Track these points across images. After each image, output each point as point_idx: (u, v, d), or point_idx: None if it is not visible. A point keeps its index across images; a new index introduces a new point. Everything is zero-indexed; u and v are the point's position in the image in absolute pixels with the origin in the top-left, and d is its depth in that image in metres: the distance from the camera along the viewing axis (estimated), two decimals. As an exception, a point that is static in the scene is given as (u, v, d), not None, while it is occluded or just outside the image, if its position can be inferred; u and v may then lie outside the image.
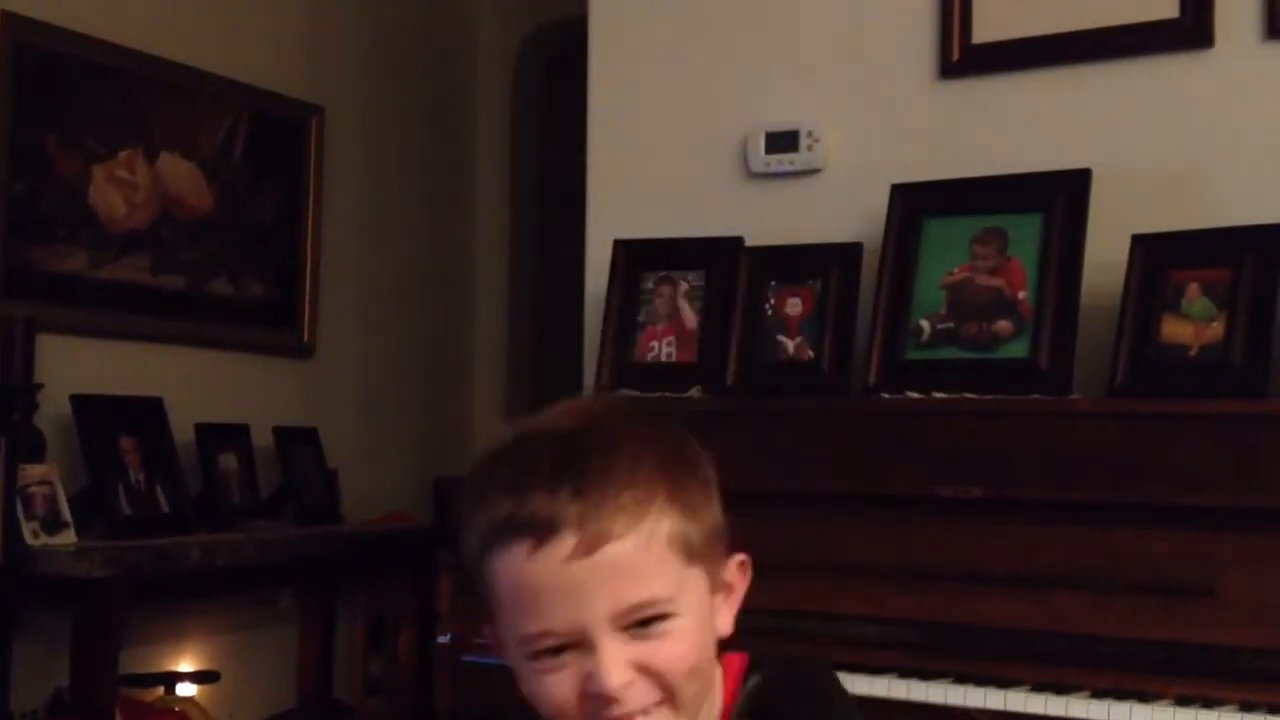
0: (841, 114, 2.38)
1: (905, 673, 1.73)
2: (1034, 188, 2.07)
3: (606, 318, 2.41)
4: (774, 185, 2.42)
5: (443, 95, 4.49)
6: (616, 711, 0.92)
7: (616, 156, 2.60)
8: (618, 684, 0.91)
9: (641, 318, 2.37)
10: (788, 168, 2.39)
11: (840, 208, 2.32)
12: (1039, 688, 1.61)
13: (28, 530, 2.91)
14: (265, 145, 3.83)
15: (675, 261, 2.38)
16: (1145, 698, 1.56)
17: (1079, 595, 1.73)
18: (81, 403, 3.16)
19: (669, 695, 0.93)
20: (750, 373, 2.21)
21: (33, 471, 2.96)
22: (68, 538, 2.97)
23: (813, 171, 2.38)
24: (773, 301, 2.23)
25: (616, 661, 0.91)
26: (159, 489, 3.23)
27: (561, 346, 3.39)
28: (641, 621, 0.92)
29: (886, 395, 2.05)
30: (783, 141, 2.39)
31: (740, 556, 1.00)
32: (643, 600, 0.92)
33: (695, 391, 2.25)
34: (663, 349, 2.33)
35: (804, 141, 2.37)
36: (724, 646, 1.02)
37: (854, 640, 1.83)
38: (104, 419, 3.19)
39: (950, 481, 1.90)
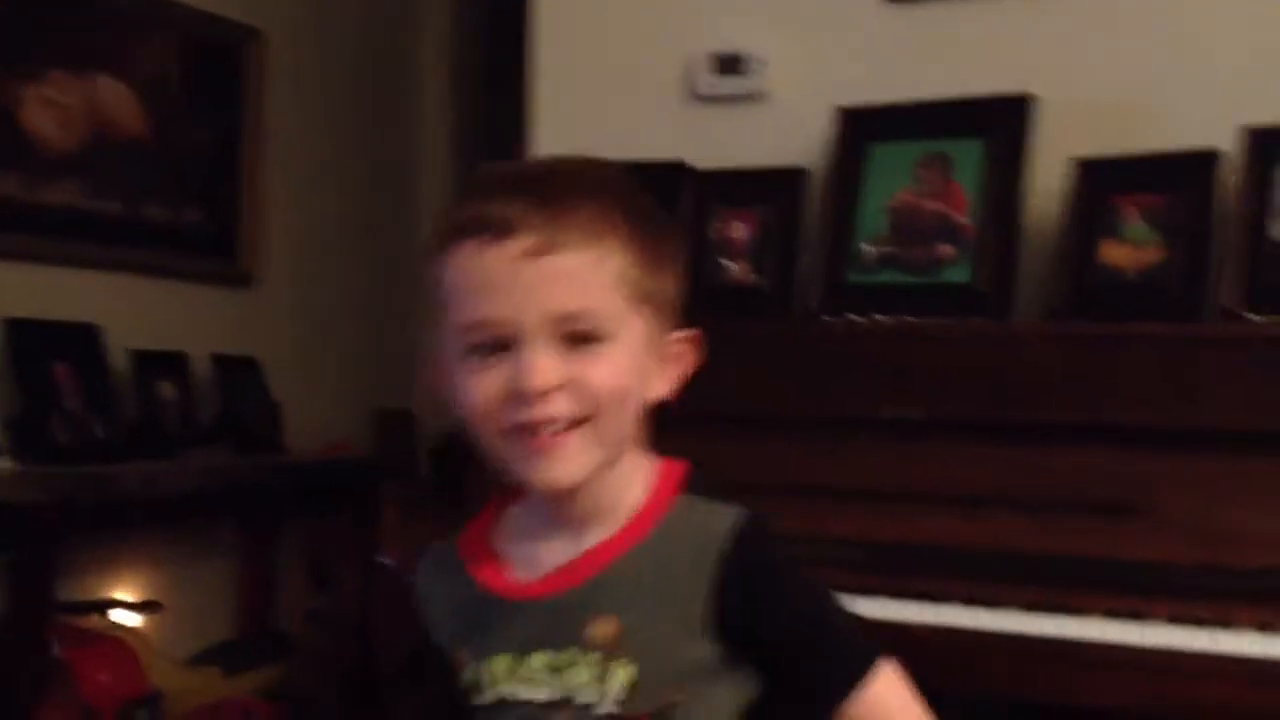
0: (788, 38, 2.36)
1: (841, 589, 1.74)
2: (975, 113, 2.07)
3: (549, 241, 2.39)
4: (719, 109, 2.40)
5: (384, 17, 4.41)
6: (537, 413, 0.94)
7: (560, 79, 2.56)
8: (540, 382, 0.94)
9: (585, 242, 2.35)
10: (733, 91, 2.37)
11: (786, 132, 2.30)
12: (971, 602, 1.62)
13: (-41, 456, 2.87)
14: (202, 69, 3.75)
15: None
16: (1076, 611, 1.58)
17: (1015, 514, 1.75)
18: (15, 327, 3.10)
19: (591, 415, 0.96)
20: (694, 296, 2.20)
21: (-36, 397, 2.91)
22: (2, 464, 2.93)
23: (758, 95, 2.36)
24: (716, 225, 2.22)
25: (543, 361, 0.94)
26: (95, 416, 3.19)
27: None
28: (575, 337, 0.95)
29: (827, 318, 2.05)
30: (728, 64, 2.36)
31: (694, 332, 1.06)
32: (580, 310, 0.95)
33: (638, 315, 2.24)
34: (606, 273, 2.32)
35: (750, 65, 2.35)
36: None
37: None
38: (38, 345, 3.13)
39: (890, 403, 1.90)
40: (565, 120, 2.55)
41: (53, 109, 3.34)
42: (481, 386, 0.96)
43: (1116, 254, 1.91)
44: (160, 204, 3.63)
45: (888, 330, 1.98)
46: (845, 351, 2.00)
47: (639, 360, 0.99)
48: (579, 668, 0.98)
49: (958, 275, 2.01)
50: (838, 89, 2.26)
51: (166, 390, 3.43)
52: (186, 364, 3.52)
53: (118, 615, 3.25)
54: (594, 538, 1.01)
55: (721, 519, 1.02)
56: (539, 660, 0.99)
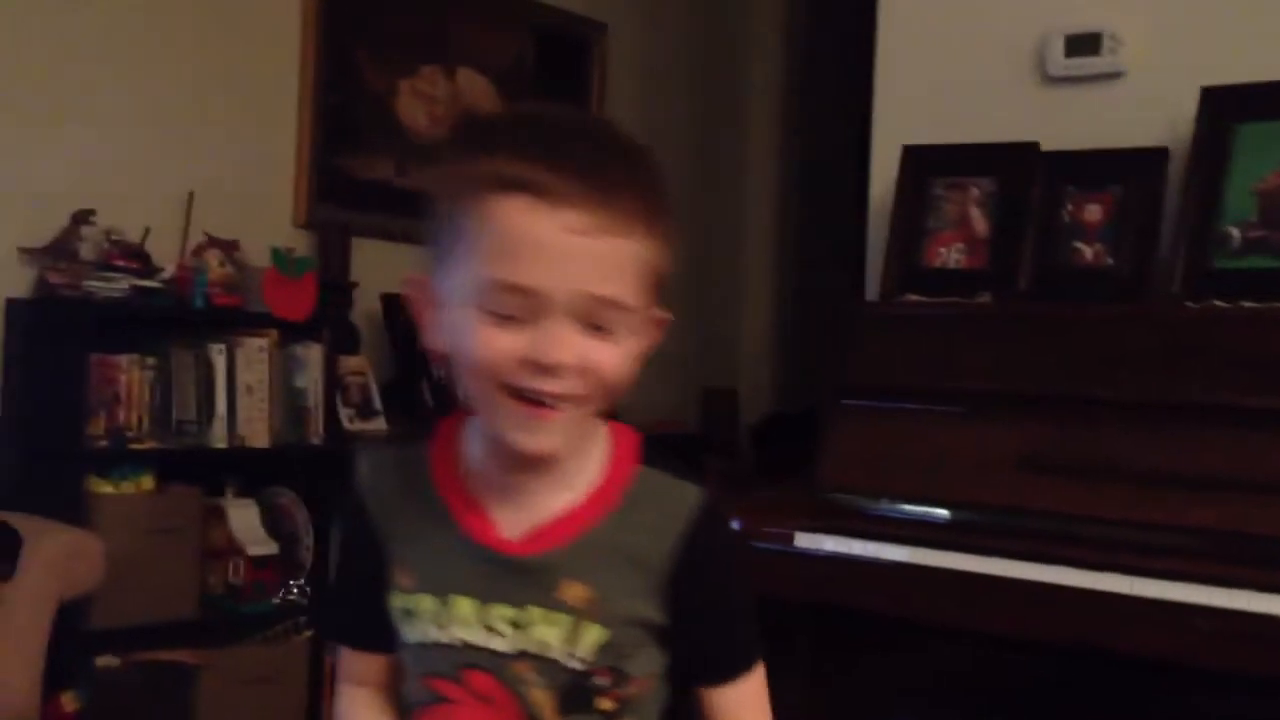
0: (1146, 15, 2.31)
1: (1197, 579, 1.72)
2: (1360, 89, 1.98)
3: (893, 224, 2.43)
4: (1072, 90, 2.37)
5: (720, 9, 4.53)
6: (550, 386, 0.95)
7: (905, 61, 2.59)
8: (563, 359, 0.94)
9: (930, 224, 2.38)
10: (1088, 71, 2.34)
11: (1142, 112, 2.26)
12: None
13: (344, 416, 3.18)
14: (552, 61, 3.98)
15: (966, 168, 2.37)
16: None
17: (1395, 509, 1.68)
18: (391, 301, 3.40)
19: (588, 396, 0.97)
20: (1044, 278, 2.20)
21: (349, 363, 3.23)
22: (378, 424, 3.23)
23: (1115, 75, 2.32)
24: (1070, 207, 2.20)
25: (570, 340, 0.94)
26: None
27: (831, 257, 3.42)
28: (597, 321, 0.95)
29: (1190, 304, 2.01)
30: (1083, 44, 2.34)
31: (664, 315, 1.03)
32: (613, 297, 0.95)
33: (984, 297, 2.26)
34: (951, 255, 2.34)
35: (1106, 44, 2.31)
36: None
37: (1146, 547, 1.82)
38: (408, 318, 3.42)
39: (1252, 391, 1.85)
40: (909, 103, 2.58)
41: (423, 100, 3.64)
42: (495, 344, 0.94)
43: None
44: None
45: (1254, 316, 1.93)
46: (1204, 337, 1.96)
47: (637, 348, 1.00)
48: (544, 626, 1.01)
49: (1333, 260, 1.93)
50: (1200, 67, 2.19)
51: (517, 362, 3.68)
52: (534, 338, 3.76)
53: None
54: (558, 492, 1.03)
55: (686, 495, 1.05)
56: (500, 612, 1.01)
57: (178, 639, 2.81)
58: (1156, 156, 2.15)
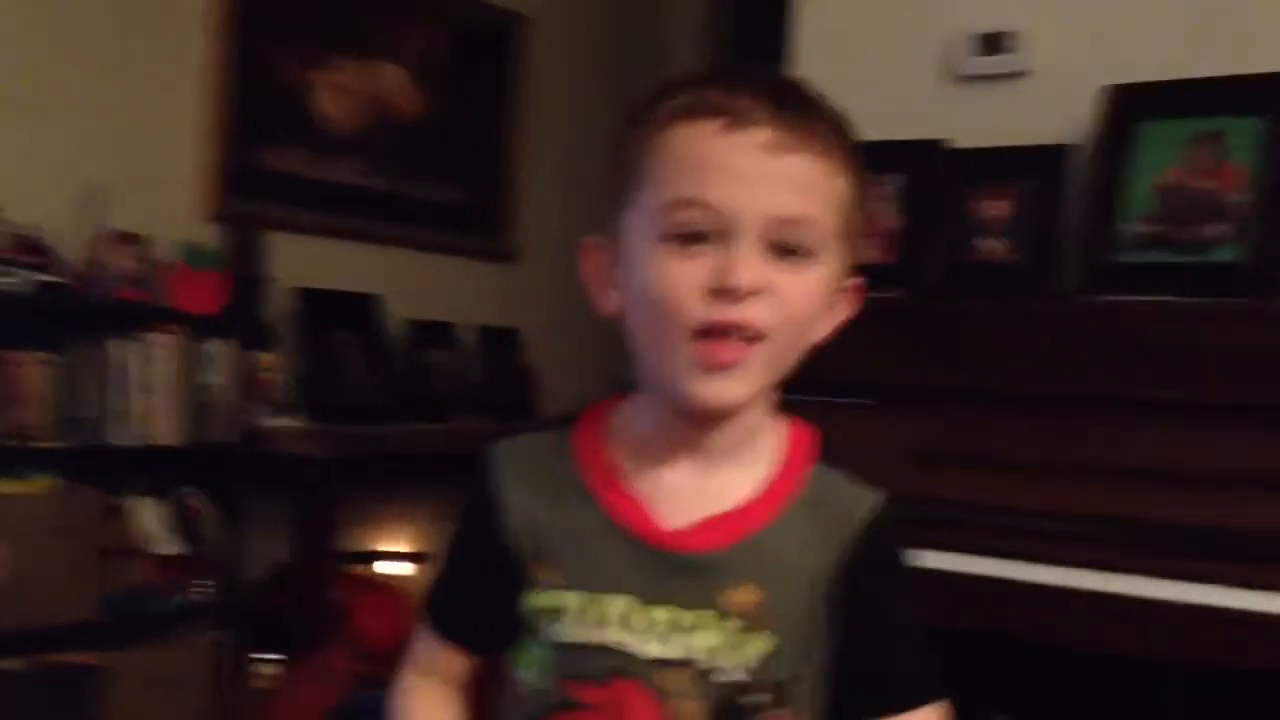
0: (1052, 15, 2.34)
1: (1098, 566, 1.75)
2: (1253, 90, 2.01)
3: (805, 220, 2.44)
4: (981, 88, 2.39)
5: (640, 2, 4.53)
6: (737, 314, 0.88)
7: (819, 58, 2.60)
8: (750, 281, 0.88)
9: (841, 219, 2.39)
10: (996, 70, 2.36)
11: (1050, 111, 2.28)
12: (1238, 584, 1.60)
13: (257, 413, 3.13)
14: (472, 53, 3.95)
15: (875, 164, 2.35)
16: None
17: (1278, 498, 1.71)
18: (305, 296, 3.35)
19: (774, 333, 0.90)
20: (952, 274, 2.22)
21: (262, 359, 3.18)
22: (293, 421, 3.18)
23: (1023, 74, 2.35)
24: (975, 204, 2.23)
25: (756, 263, 0.88)
26: (373, 380, 3.42)
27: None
28: (785, 247, 0.90)
29: (1090, 297, 2.04)
30: (991, 44, 2.36)
31: (859, 280, 0.98)
32: (803, 217, 0.89)
33: (895, 292, 2.27)
34: (863, 250, 2.35)
35: (1014, 43, 2.34)
36: None
37: (1047, 535, 1.84)
38: (325, 313, 3.38)
39: (1150, 384, 1.88)
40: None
41: (339, 93, 3.59)
42: (680, 275, 0.88)
43: (1404, 235, 1.83)
44: (432, 183, 3.85)
45: (1153, 310, 1.96)
46: (1105, 331, 1.99)
47: (826, 292, 0.93)
48: (708, 631, 0.93)
49: (1228, 254, 1.96)
50: (1103, 67, 2.22)
51: (436, 358, 3.65)
52: (454, 334, 3.73)
53: (386, 565, 3.48)
54: (726, 481, 0.96)
55: (864, 501, 0.98)
56: (658, 614, 0.93)
57: (80, 640, 2.75)
58: (1056, 153, 2.18)
